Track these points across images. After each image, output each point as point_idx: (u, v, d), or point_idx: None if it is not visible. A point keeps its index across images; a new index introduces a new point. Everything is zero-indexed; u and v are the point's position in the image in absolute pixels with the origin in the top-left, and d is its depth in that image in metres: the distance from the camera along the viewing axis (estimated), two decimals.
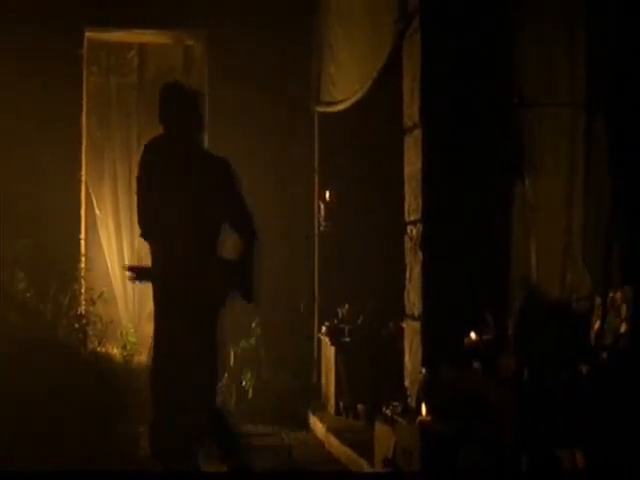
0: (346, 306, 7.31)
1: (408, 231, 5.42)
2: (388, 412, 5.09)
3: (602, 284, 4.42)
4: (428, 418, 4.56)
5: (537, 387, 3.37)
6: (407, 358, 5.39)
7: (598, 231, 4.63)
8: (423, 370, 4.94)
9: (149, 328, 8.88)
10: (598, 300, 4.38)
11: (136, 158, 8.88)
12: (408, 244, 5.41)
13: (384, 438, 5.07)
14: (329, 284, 7.74)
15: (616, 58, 4.58)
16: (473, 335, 4.27)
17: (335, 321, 7.31)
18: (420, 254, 5.21)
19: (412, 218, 5.37)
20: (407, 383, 5.35)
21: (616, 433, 3.23)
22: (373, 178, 7.35)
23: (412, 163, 5.40)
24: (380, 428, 5.18)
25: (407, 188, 5.45)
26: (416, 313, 5.28)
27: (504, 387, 3.58)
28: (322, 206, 7.69)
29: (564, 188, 4.85)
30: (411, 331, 5.35)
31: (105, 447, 5.78)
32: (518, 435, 3.41)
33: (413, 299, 5.33)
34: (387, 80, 5.97)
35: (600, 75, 4.65)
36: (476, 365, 4.04)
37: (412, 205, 5.38)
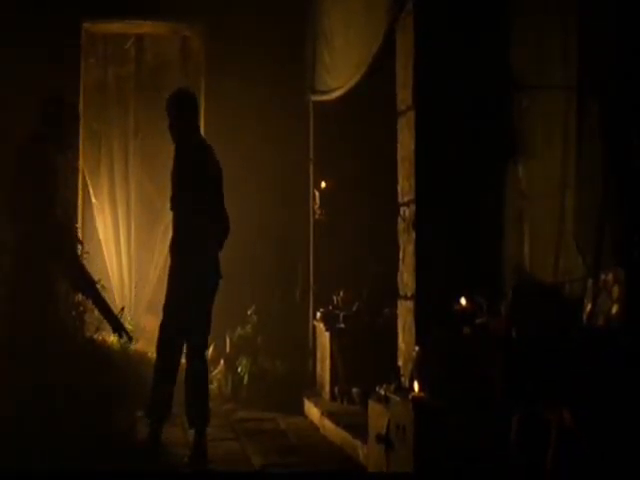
0: (341, 293, 7.36)
1: (401, 212, 5.44)
2: (382, 391, 5.13)
3: (594, 266, 4.44)
4: (421, 394, 4.61)
5: (526, 345, 3.42)
6: (400, 338, 5.41)
7: (591, 214, 4.64)
8: (416, 348, 4.98)
9: (145, 318, 8.92)
10: (590, 282, 4.39)
11: (133, 148, 8.99)
12: (401, 225, 5.44)
13: (378, 416, 5.10)
14: (324, 271, 7.76)
15: (610, 41, 4.61)
16: (463, 301, 4.31)
17: (330, 308, 7.36)
18: (413, 234, 5.23)
19: (405, 199, 5.40)
20: (400, 363, 5.38)
21: (604, 393, 3.27)
22: (368, 166, 7.38)
23: (405, 145, 5.43)
24: (374, 407, 5.21)
25: (400, 170, 5.48)
26: (409, 293, 5.31)
27: (493, 346, 3.63)
28: (317, 194, 7.74)
29: (557, 172, 4.88)
30: (404, 311, 5.38)
31: (102, 432, 5.82)
32: (507, 395, 3.46)
33: (406, 279, 5.36)
34: (381, 68, 6.01)
35: (593, 59, 4.67)
36: (467, 330, 4.08)
37: (405, 187, 5.41)
